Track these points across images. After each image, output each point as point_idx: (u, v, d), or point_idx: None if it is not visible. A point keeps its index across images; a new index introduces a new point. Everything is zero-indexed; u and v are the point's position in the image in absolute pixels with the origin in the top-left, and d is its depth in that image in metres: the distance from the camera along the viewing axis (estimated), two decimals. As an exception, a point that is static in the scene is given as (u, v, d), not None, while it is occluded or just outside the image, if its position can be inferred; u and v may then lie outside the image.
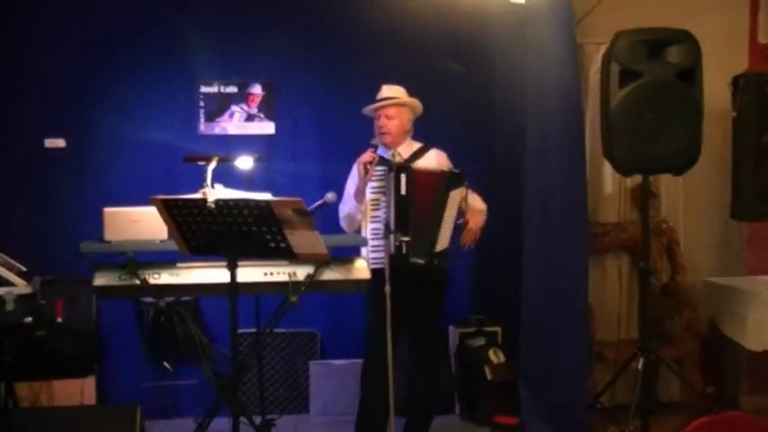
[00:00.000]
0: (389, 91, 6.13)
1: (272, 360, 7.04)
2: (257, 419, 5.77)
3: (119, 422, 5.44)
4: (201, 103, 7.06)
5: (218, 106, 7.08)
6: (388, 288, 5.51)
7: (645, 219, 6.11)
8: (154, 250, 5.32)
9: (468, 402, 6.93)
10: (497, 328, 7.07)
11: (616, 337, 6.63)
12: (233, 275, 4.70)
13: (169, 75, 7.04)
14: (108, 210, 5.30)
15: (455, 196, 5.91)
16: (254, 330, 5.96)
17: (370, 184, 5.94)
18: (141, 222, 5.26)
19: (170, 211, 4.64)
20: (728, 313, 6.62)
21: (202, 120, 7.07)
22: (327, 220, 5.85)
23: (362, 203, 5.98)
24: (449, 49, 7.17)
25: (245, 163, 6.13)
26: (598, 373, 6.66)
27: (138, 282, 5.24)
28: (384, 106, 6.07)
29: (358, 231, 6.09)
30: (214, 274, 5.28)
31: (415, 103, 6.16)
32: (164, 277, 5.28)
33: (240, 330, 5.19)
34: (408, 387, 6.25)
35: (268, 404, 6.50)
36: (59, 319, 5.45)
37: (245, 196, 4.91)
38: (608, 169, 6.77)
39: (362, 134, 6.46)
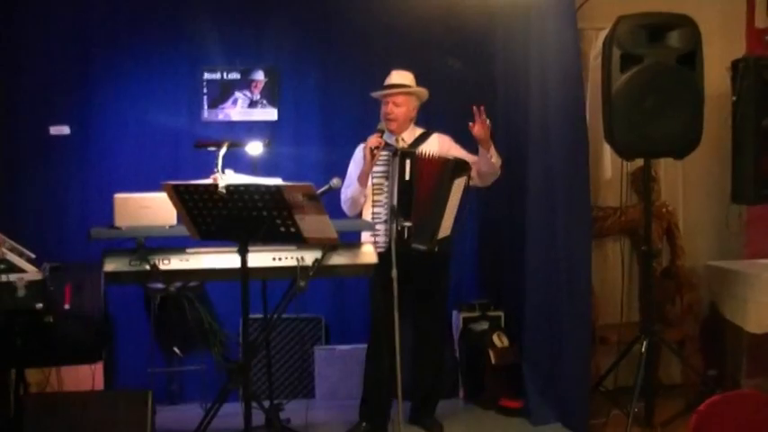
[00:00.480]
0: (399, 77, 6.17)
1: (277, 345, 7.07)
2: (265, 404, 5.87)
3: (131, 407, 5.46)
4: (205, 90, 7.07)
5: (222, 93, 7.10)
6: (394, 272, 5.54)
7: (647, 202, 6.17)
8: (164, 236, 5.37)
9: (473, 386, 6.96)
10: (501, 313, 7.09)
11: (618, 321, 6.67)
12: (244, 260, 4.75)
13: (173, 61, 7.04)
14: (118, 196, 5.34)
15: (459, 184, 5.96)
16: (261, 316, 6.00)
17: (375, 169, 6.00)
18: (151, 208, 5.30)
19: (181, 197, 4.69)
20: (729, 296, 6.67)
21: (206, 106, 7.08)
22: (330, 205, 5.88)
23: (365, 187, 6.03)
24: (452, 34, 7.18)
25: (254, 148, 6.16)
26: (600, 356, 6.71)
27: (147, 267, 5.28)
28: (393, 93, 6.11)
29: (359, 215, 6.15)
30: (223, 259, 5.32)
31: (423, 91, 6.22)
32: (173, 263, 5.32)
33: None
34: (412, 371, 6.31)
35: (274, 389, 6.53)
36: (67, 306, 5.44)
37: (255, 181, 4.94)
38: (608, 153, 6.80)
39: (365, 120, 6.54)
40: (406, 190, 5.86)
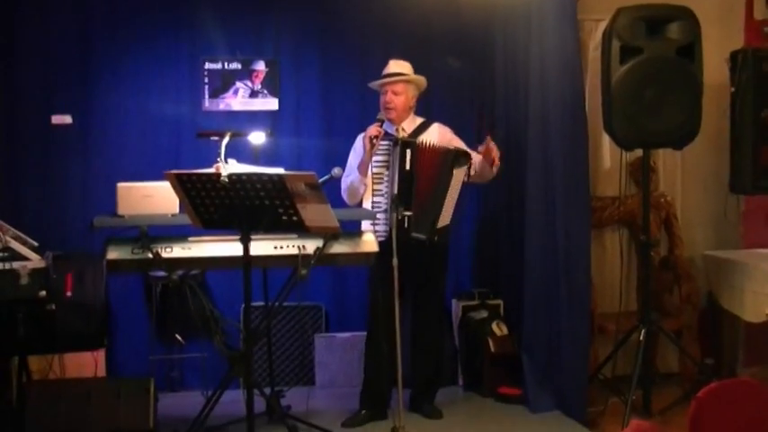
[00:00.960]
0: (397, 66, 6.20)
1: (278, 333, 7.11)
2: (266, 391, 5.91)
3: (133, 394, 5.52)
4: (206, 80, 7.10)
5: (223, 83, 7.12)
6: (395, 261, 5.57)
7: (646, 193, 6.20)
8: (166, 224, 5.43)
9: (472, 374, 7.00)
10: (500, 302, 7.12)
11: (616, 310, 6.70)
12: (246, 248, 4.77)
13: (174, 51, 7.07)
14: (121, 185, 5.38)
15: (459, 174, 5.99)
16: (262, 304, 6.04)
17: (375, 158, 6.02)
18: (154, 197, 5.35)
19: (183, 186, 4.71)
20: (726, 286, 6.70)
21: (207, 96, 7.11)
22: (331, 194, 5.90)
23: (366, 176, 6.06)
24: (452, 25, 7.19)
25: (257, 138, 6.20)
26: (599, 344, 6.74)
27: (150, 255, 5.32)
28: (391, 82, 6.14)
29: (359, 204, 6.18)
30: (225, 247, 5.37)
31: (422, 80, 6.24)
32: (176, 251, 5.37)
33: (249, 304, 5.24)
34: (412, 359, 6.36)
35: (275, 376, 6.56)
36: (70, 294, 5.49)
37: (257, 171, 4.98)
38: (606, 144, 6.84)
39: (366, 110, 6.57)
40: (406, 179, 5.89)
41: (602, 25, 6.20)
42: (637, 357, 6.00)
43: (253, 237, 4.83)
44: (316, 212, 4.70)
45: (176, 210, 5.33)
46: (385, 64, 6.27)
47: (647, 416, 6.10)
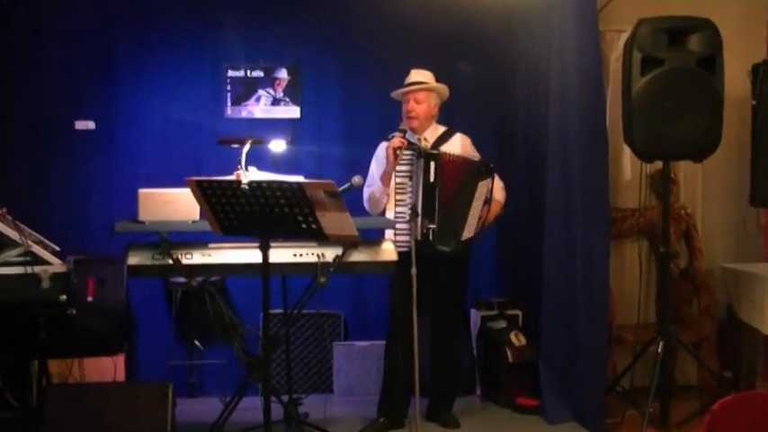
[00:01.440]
0: (418, 75, 6.21)
1: (296, 340, 7.13)
2: (284, 398, 5.92)
3: (151, 399, 5.54)
4: (228, 87, 7.15)
5: (245, 90, 7.17)
6: (414, 270, 5.58)
7: (665, 204, 6.19)
8: (186, 230, 5.44)
9: (490, 384, 7.00)
10: (519, 312, 7.13)
11: (635, 321, 6.69)
12: (265, 256, 4.78)
13: (197, 59, 7.13)
14: (143, 191, 5.41)
15: (483, 186, 5.98)
16: (281, 311, 6.06)
17: (397, 168, 6.02)
18: (174, 203, 5.37)
19: (204, 193, 4.74)
20: (746, 298, 6.66)
21: (229, 103, 7.16)
22: (352, 202, 5.92)
23: (388, 186, 6.07)
24: (473, 35, 7.21)
25: (277, 146, 6.23)
26: (617, 356, 6.73)
27: (170, 261, 5.34)
28: (413, 91, 6.15)
29: (381, 214, 6.19)
30: (245, 254, 5.38)
31: (443, 88, 6.24)
32: (195, 257, 5.39)
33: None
34: (430, 368, 6.36)
35: (293, 383, 6.58)
36: (90, 298, 5.52)
37: (277, 178, 5.00)
38: (627, 155, 6.83)
39: (387, 118, 6.57)
40: (429, 191, 5.90)
41: (624, 36, 6.21)
42: (655, 369, 5.99)
43: (272, 244, 4.84)
44: (335, 220, 4.71)
45: (197, 216, 5.35)
46: (406, 72, 6.28)
47: (665, 428, 6.08)
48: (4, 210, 5.50)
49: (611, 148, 6.23)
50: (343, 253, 5.49)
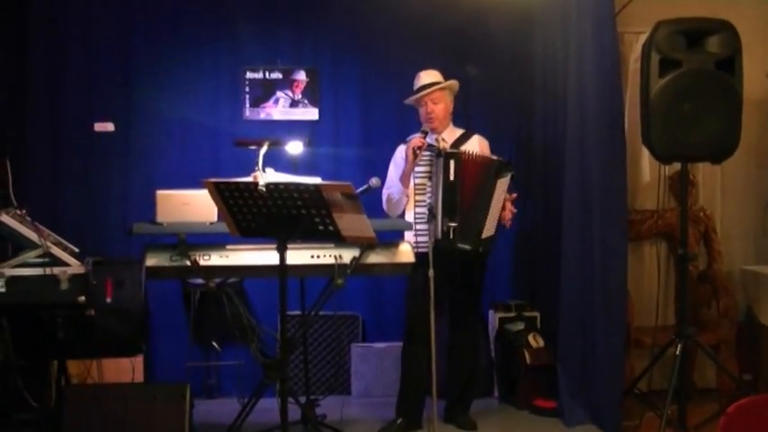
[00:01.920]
0: (428, 76, 6.22)
1: (314, 342, 7.14)
2: (301, 400, 5.93)
3: (169, 400, 5.55)
4: (247, 89, 7.17)
5: (264, 92, 7.19)
6: (431, 272, 5.58)
7: (684, 206, 6.16)
8: (204, 232, 5.47)
9: (508, 386, 7.00)
10: (537, 314, 7.12)
11: (653, 323, 6.66)
12: (282, 257, 4.80)
13: (216, 60, 7.16)
14: (161, 192, 5.44)
15: (502, 184, 5.98)
16: (298, 313, 6.07)
17: (417, 168, 6.04)
18: (192, 205, 5.40)
19: (221, 194, 4.76)
20: (765, 301, 6.65)
21: (248, 105, 7.18)
22: (370, 204, 5.92)
23: (407, 187, 6.08)
24: (490, 36, 7.23)
25: (294, 148, 6.26)
26: (635, 358, 6.70)
27: (188, 263, 5.37)
28: (429, 93, 6.16)
29: (401, 216, 6.20)
30: (262, 256, 5.40)
31: (455, 83, 6.28)
32: (213, 259, 5.41)
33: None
34: (447, 370, 6.36)
35: (311, 385, 6.60)
36: (109, 299, 5.54)
37: (294, 180, 5.01)
38: (646, 157, 6.82)
39: (405, 120, 6.59)
40: (450, 190, 5.90)
41: (643, 38, 6.17)
42: (673, 372, 5.97)
43: (290, 246, 4.86)
44: (352, 222, 4.73)
45: (214, 218, 5.38)
46: (417, 77, 6.29)
47: (683, 431, 6.06)
48: (24, 211, 5.53)
49: (629, 150, 6.22)
50: (361, 254, 5.50)
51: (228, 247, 5.47)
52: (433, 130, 6.18)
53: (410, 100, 6.25)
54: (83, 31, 6.99)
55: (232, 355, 6.97)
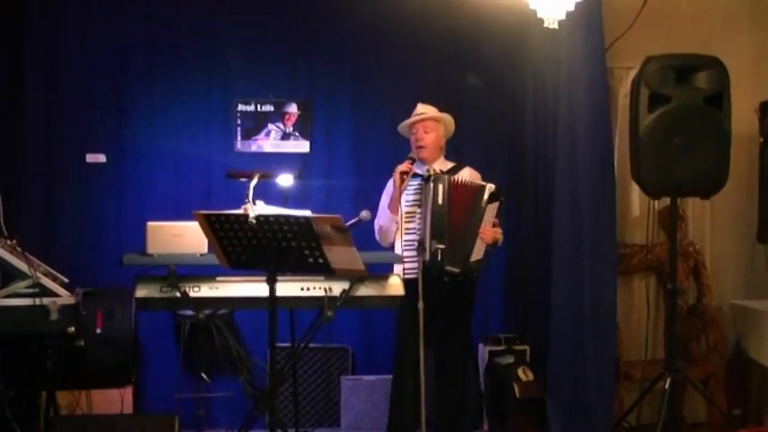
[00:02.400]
0: (424, 108, 6.29)
1: (304, 374, 7.13)
2: (290, 432, 5.92)
3: (158, 431, 5.55)
4: (238, 121, 7.20)
5: (255, 124, 7.22)
6: (421, 304, 5.59)
7: (673, 241, 6.19)
8: (194, 264, 5.45)
9: (497, 419, 6.98)
10: (526, 347, 7.12)
11: (643, 357, 6.68)
12: (272, 289, 4.81)
13: (207, 93, 7.19)
14: (151, 224, 5.43)
15: (491, 209, 6.02)
16: (288, 345, 6.07)
17: (406, 197, 6.07)
18: (183, 236, 5.38)
19: (212, 226, 4.77)
20: (754, 335, 6.65)
21: (239, 137, 7.21)
22: (360, 237, 5.93)
23: (397, 214, 6.10)
24: (483, 72, 7.29)
25: (285, 180, 6.27)
26: (625, 392, 6.71)
27: (178, 294, 5.35)
28: (421, 120, 6.20)
29: (391, 246, 6.22)
30: (252, 287, 5.37)
31: (449, 119, 6.31)
32: (203, 290, 5.38)
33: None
34: (435, 402, 6.35)
35: (300, 417, 6.59)
36: (99, 330, 5.56)
37: (284, 212, 5.03)
38: (636, 191, 6.84)
39: (396, 153, 6.59)
40: (438, 213, 5.93)
41: (632, 73, 6.23)
42: (662, 406, 5.97)
43: (280, 278, 4.86)
44: (342, 255, 4.74)
45: (205, 249, 5.37)
46: (415, 107, 6.32)
47: (672, 465, 6.07)
48: (14, 241, 5.52)
49: (619, 184, 6.27)
50: (351, 287, 5.48)
51: (219, 278, 5.45)
52: (423, 161, 6.21)
53: (403, 126, 6.29)
54: (76, 63, 7.02)
55: (222, 387, 6.96)
